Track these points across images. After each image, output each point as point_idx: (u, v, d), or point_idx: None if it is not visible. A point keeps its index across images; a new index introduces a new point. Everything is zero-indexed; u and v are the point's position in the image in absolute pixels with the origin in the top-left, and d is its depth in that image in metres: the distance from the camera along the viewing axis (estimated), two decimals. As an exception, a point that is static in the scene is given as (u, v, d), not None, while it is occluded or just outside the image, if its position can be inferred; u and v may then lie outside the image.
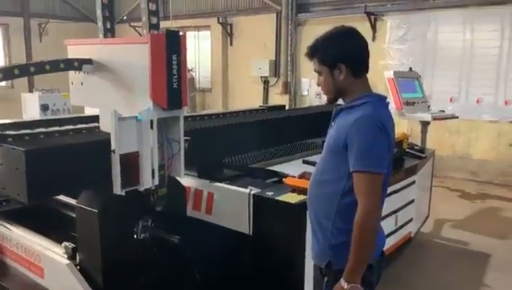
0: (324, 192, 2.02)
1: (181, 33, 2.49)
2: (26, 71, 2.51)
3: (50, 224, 3.28)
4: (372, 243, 1.87)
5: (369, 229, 1.84)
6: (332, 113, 2.09)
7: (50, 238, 2.91)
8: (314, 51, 2.04)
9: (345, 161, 1.90)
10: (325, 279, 2.03)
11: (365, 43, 2.01)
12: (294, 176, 3.03)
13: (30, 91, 10.10)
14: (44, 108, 8.79)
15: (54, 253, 2.73)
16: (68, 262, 2.61)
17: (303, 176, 2.71)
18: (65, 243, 2.69)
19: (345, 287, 1.85)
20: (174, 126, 2.58)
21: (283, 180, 3.05)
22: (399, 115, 5.14)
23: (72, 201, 3.12)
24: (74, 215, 2.78)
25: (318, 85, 2.09)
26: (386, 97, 2.05)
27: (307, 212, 2.18)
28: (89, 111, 3.99)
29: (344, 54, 1.97)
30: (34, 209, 3.16)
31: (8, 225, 3.12)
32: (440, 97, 7.88)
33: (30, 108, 8.98)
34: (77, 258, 2.64)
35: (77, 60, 2.63)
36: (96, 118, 3.01)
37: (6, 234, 3.08)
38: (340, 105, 2.07)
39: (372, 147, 1.85)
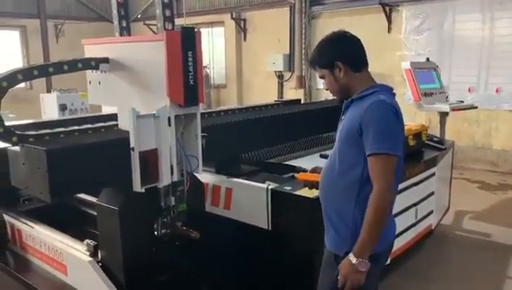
0: (343, 182, 2.06)
1: (196, 29, 2.49)
2: (45, 71, 2.54)
3: (70, 222, 3.33)
4: (383, 223, 1.95)
5: (382, 209, 1.92)
6: (343, 107, 2.17)
7: (71, 235, 2.96)
8: (313, 61, 2.21)
9: (361, 148, 1.96)
10: (339, 266, 2.06)
11: (358, 40, 2.14)
12: (306, 170, 3.03)
13: (49, 91, 10.24)
14: (62, 108, 8.90)
15: (76, 250, 2.77)
16: (90, 259, 2.65)
17: (314, 170, 2.77)
18: (87, 241, 2.73)
19: (354, 261, 1.93)
20: (191, 123, 2.59)
21: (295, 175, 3.04)
22: (417, 106, 5.07)
23: (93, 199, 3.17)
24: (94, 213, 2.81)
25: (326, 90, 2.22)
26: (392, 88, 2.14)
27: (322, 204, 2.21)
28: (107, 110, 4.04)
29: (339, 52, 2.10)
30: (55, 207, 3.20)
31: (31, 224, 3.18)
32: (458, 87, 7.72)
33: (49, 108, 9.09)
34: (99, 255, 2.67)
35: (94, 59, 2.66)
36: (113, 117, 3.04)
37: (30, 232, 3.14)
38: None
39: (387, 130, 1.94)
